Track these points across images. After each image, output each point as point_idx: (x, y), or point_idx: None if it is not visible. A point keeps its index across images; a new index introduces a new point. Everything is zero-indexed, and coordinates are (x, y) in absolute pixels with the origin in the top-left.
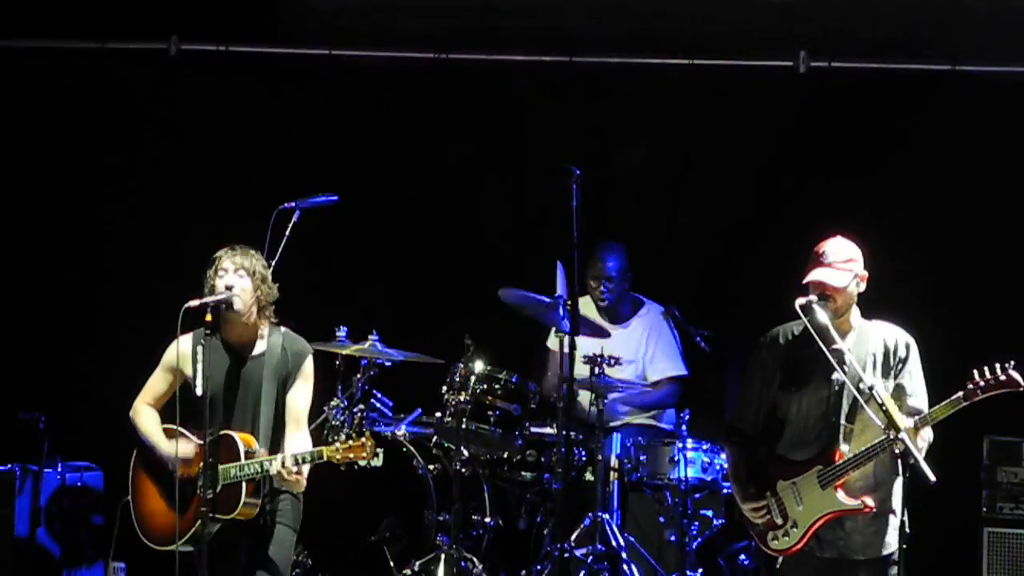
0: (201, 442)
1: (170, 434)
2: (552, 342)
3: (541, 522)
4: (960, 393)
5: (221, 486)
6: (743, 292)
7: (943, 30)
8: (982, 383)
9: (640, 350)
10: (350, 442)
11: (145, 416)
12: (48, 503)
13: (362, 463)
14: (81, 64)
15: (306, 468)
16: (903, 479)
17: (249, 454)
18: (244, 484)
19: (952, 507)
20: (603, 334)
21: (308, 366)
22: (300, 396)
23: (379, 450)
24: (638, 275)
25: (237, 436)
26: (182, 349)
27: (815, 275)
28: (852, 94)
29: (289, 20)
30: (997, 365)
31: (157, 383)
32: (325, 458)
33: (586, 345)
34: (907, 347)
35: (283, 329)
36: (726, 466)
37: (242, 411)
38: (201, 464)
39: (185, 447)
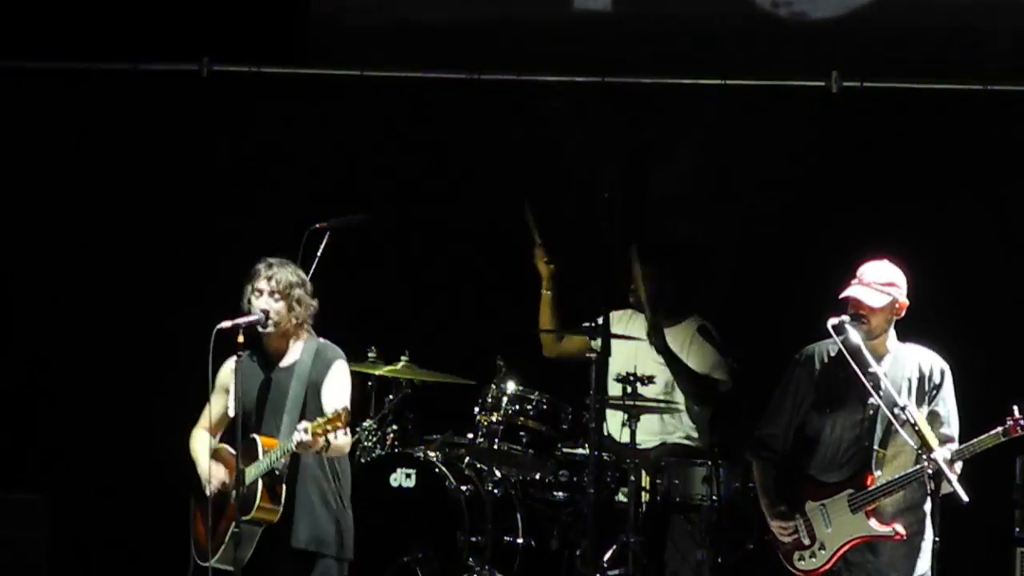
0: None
1: (217, 454)
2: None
3: (574, 543)
4: (1000, 429)
5: (244, 490)
6: (777, 312)
7: (974, 50)
8: (1023, 420)
9: (684, 352)
10: (330, 415)
11: (195, 439)
12: None
13: (338, 435)
14: (114, 86)
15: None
16: (935, 502)
17: (266, 452)
18: (260, 484)
19: (985, 527)
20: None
21: (338, 368)
22: (333, 395)
23: (411, 471)
24: (680, 294)
25: (259, 439)
26: (228, 371)
27: (850, 292)
28: (884, 114)
29: (319, 41)
30: None
31: (212, 406)
32: (310, 434)
33: (619, 362)
34: (942, 373)
35: (320, 340)
36: (754, 481)
37: (271, 419)
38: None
39: (223, 469)
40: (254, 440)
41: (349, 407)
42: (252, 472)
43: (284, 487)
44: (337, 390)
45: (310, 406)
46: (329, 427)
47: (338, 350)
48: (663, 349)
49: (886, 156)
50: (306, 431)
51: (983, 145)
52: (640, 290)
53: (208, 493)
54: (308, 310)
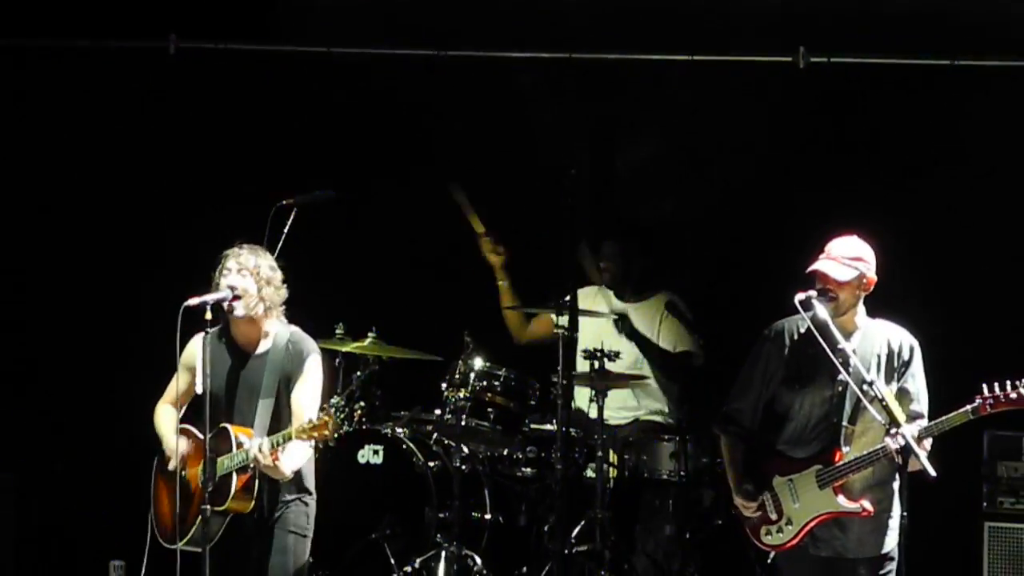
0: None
1: (182, 433)
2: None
3: (542, 519)
4: (969, 407)
5: (218, 478)
6: (745, 289)
7: (941, 25)
8: (991, 399)
9: (654, 327)
10: (314, 421)
11: (161, 414)
12: None
13: (325, 442)
14: (80, 63)
15: (292, 452)
16: (903, 478)
17: (239, 445)
18: (235, 475)
19: (952, 502)
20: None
21: (311, 363)
22: (303, 393)
23: (378, 448)
24: (648, 269)
25: (232, 429)
26: (195, 348)
27: (817, 265)
28: (852, 89)
29: (287, 18)
30: (1008, 382)
31: (176, 383)
32: (294, 438)
33: (587, 338)
34: (911, 349)
35: (292, 328)
36: (721, 456)
37: (244, 408)
38: (202, 461)
39: (187, 444)
40: (226, 429)
41: (310, 409)
42: (226, 464)
43: (257, 480)
44: (307, 390)
45: (282, 398)
46: (315, 434)
47: (312, 343)
48: (632, 333)
49: (854, 131)
50: (272, 446)
51: (950, 121)
52: (593, 275)
53: (171, 467)
54: (278, 294)
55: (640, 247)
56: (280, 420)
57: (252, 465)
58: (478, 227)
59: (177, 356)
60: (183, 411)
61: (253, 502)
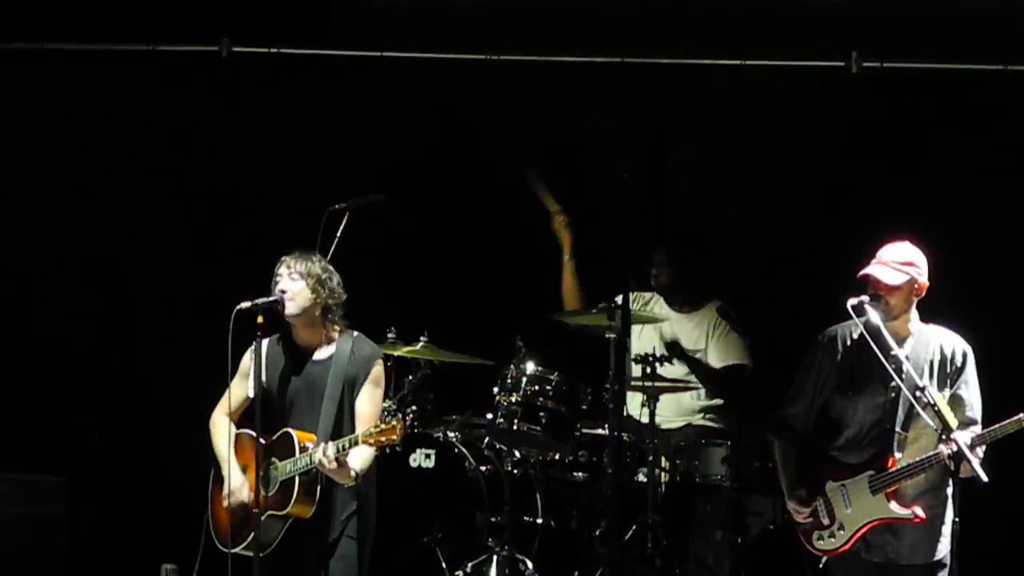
0: (263, 442)
1: (242, 441)
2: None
3: (593, 523)
4: (1022, 415)
5: (279, 483)
6: (797, 293)
7: (994, 30)
8: None
9: (704, 340)
10: (381, 425)
11: (217, 429)
12: None
13: (394, 444)
14: (134, 66)
15: (356, 456)
16: (955, 483)
17: (303, 449)
18: (297, 480)
19: (1005, 508)
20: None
21: (376, 370)
22: (366, 399)
23: (430, 452)
24: (699, 266)
25: (295, 433)
26: (255, 353)
27: (868, 270)
28: (904, 94)
29: (340, 21)
30: None
31: (234, 391)
32: (361, 442)
33: (639, 343)
34: (964, 355)
35: (355, 334)
36: (774, 461)
37: (307, 413)
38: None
39: (248, 449)
40: (289, 434)
41: (375, 416)
42: (288, 468)
43: (319, 487)
44: (372, 396)
45: (344, 403)
46: (383, 438)
47: (376, 349)
48: (683, 357)
49: (906, 136)
50: (337, 451)
51: (1004, 126)
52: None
53: (226, 494)
54: (333, 297)
55: (692, 254)
56: (342, 425)
57: (315, 469)
58: (552, 206)
59: (229, 360)
60: (242, 417)
61: (315, 507)
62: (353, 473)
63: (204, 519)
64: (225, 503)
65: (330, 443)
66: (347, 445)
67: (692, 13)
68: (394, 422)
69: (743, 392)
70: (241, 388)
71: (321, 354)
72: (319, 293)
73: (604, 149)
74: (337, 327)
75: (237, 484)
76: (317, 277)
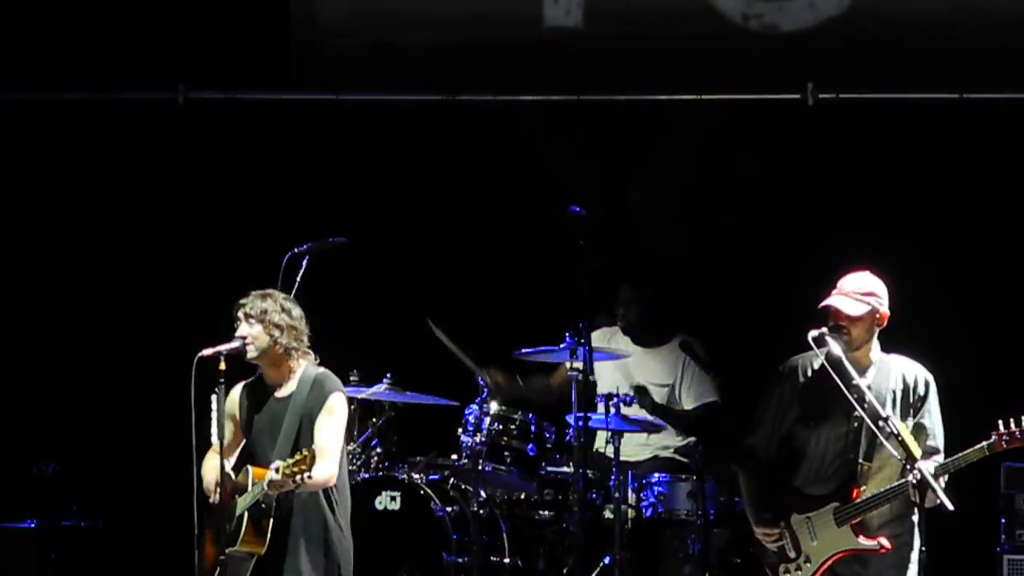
0: (241, 481)
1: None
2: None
3: (560, 561)
4: (985, 443)
5: (235, 519)
6: (759, 325)
7: (949, 60)
8: (1007, 435)
9: (674, 375)
10: (297, 456)
11: (206, 462)
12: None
13: (304, 476)
14: (90, 114)
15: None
16: (920, 511)
17: (255, 484)
18: (246, 515)
19: (970, 535)
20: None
21: (333, 401)
22: (323, 429)
23: (396, 494)
24: (663, 302)
25: (251, 469)
26: (234, 397)
27: (829, 301)
28: (861, 125)
29: (297, 65)
30: None
31: (219, 434)
32: (279, 471)
33: (605, 381)
34: (927, 384)
35: (320, 369)
36: (740, 494)
37: (266, 448)
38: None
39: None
40: (247, 470)
41: (331, 444)
42: (241, 504)
43: (271, 520)
44: (327, 426)
45: (303, 438)
46: (295, 468)
47: (336, 381)
48: (655, 408)
49: (864, 167)
50: (276, 471)
51: (961, 155)
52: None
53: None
54: (292, 336)
55: (657, 291)
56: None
57: (266, 501)
58: (470, 363)
59: (192, 406)
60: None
61: (266, 543)
62: (318, 479)
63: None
64: (211, 499)
65: (277, 462)
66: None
67: (647, 50)
68: (305, 452)
69: (714, 429)
70: (228, 429)
71: (284, 391)
72: (278, 333)
73: (563, 187)
74: (302, 362)
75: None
76: (274, 318)
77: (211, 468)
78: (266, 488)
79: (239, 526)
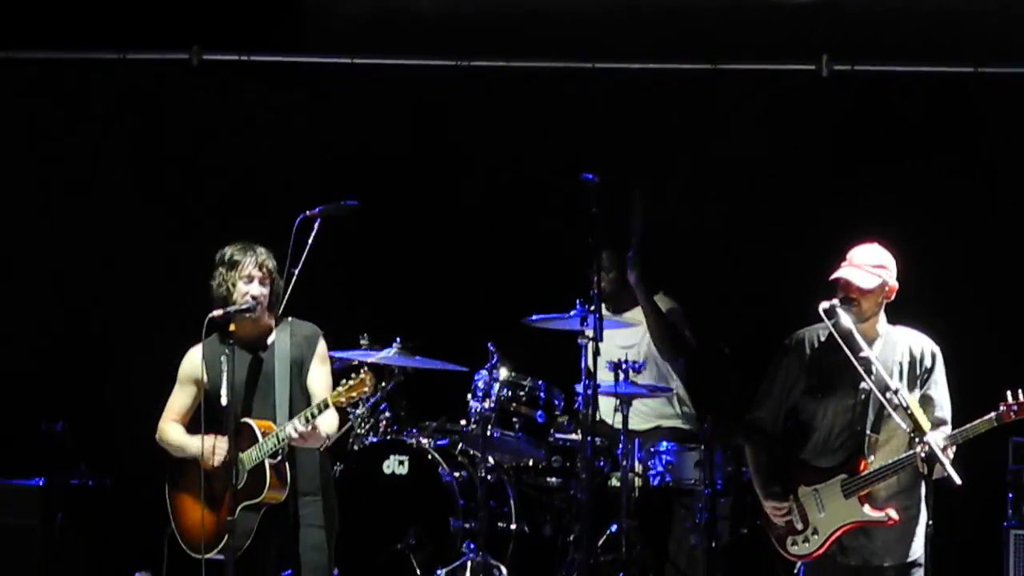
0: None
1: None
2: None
3: (567, 528)
4: (993, 414)
5: (246, 474)
6: (767, 297)
7: (965, 32)
8: (1015, 406)
9: (637, 338)
10: (350, 382)
11: (169, 430)
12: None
13: (367, 395)
14: (103, 74)
15: (322, 422)
16: (928, 484)
17: (265, 434)
18: (267, 464)
19: (977, 510)
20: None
21: (321, 347)
22: (318, 377)
23: (404, 458)
24: (667, 279)
25: (253, 422)
26: (197, 360)
27: (840, 273)
28: (875, 97)
29: (310, 29)
30: None
31: (178, 399)
32: (332, 403)
33: (610, 351)
34: (933, 356)
35: (289, 318)
36: (747, 465)
37: (260, 403)
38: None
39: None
40: (248, 424)
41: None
42: (254, 454)
43: (288, 467)
44: (322, 373)
45: (295, 384)
46: (354, 393)
47: (313, 325)
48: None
49: (876, 139)
50: (306, 420)
51: (974, 128)
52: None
53: (213, 464)
54: (280, 291)
55: (634, 257)
56: (297, 407)
57: (281, 452)
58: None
59: (203, 367)
60: (202, 422)
61: (287, 491)
62: (324, 435)
63: (167, 533)
64: (212, 463)
65: (295, 418)
66: (316, 413)
67: (662, 18)
68: (362, 374)
69: (712, 393)
70: (187, 395)
71: (263, 343)
72: (277, 294)
73: (574, 153)
74: (274, 314)
75: (210, 444)
76: (276, 275)
77: (179, 432)
78: (292, 436)
79: (260, 478)
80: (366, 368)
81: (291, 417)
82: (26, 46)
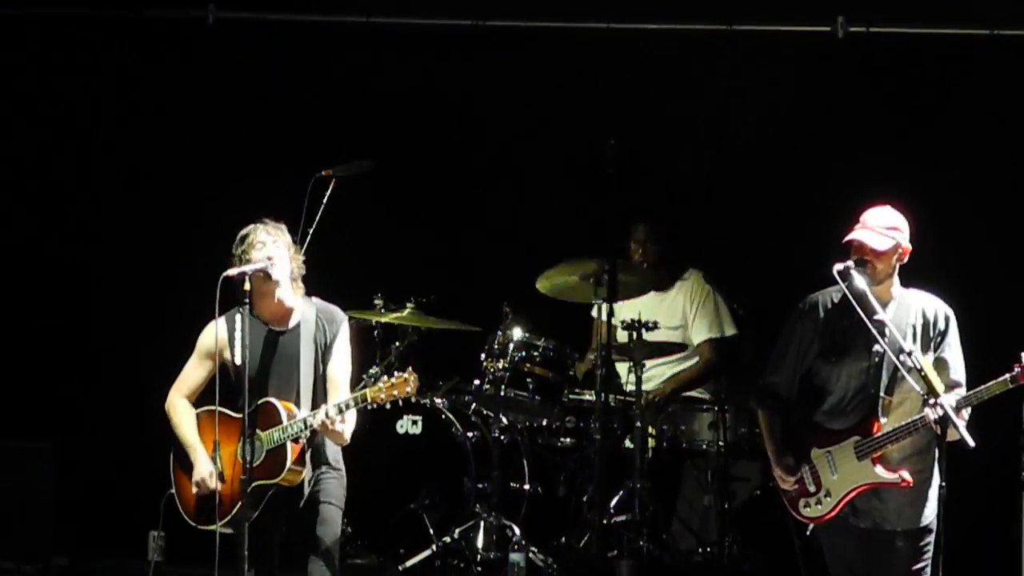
0: (237, 416)
1: (205, 419)
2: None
3: (580, 489)
4: (1008, 376)
5: (265, 452)
6: (781, 259)
7: None
8: None
9: (679, 317)
10: (392, 379)
11: (181, 413)
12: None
13: (407, 397)
14: (118, 33)
15: (350, 416)
16: (941, 447)
17: (291, 416)
18: (289, 446)
19: (991, 472)
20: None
21: (344, 332)
22: (340, 362)
23: (417, 418)
24: (678, 242)
25: (278, 402)
26: (219, 334)
27: (855, 235)
28: (890, 59)
29: None
30: None
31: (194, 371)
32: (370, 400)
33: (625, 310)
34: (947, 319)
35: (314, 299)
36: (760, 428)
37: (282, 383)
38: (240, 441)
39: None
40: (272, 403)
41: (347, 375)
42: (276, 436)
43: (308, 449)
44: (344, 357)
45: (318, 369)
46: (395, 392)
47: (340, 312)
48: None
49: (892, 101)
50: (340, 410)
51: (990, 90)
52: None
53: (194, 491)
54: (300, 268)
55: (671, 229)
56: (317, 391)
57: (306, 435)
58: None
59: (216, 328)
60: (217, 395)
61: (303, 474)
62: (347, 434)
63: (163, 500)
64: (195, 489)
65: (329, 405)
66: (352, 404)
67: None
68: (406, 374)
69: (731, 361)
70: (203, 369)
71: (287, 323)
72: (296, 260)
73: (587, 115)
74: (299, 295)
75: (206, 472)
76: (292, 247)
77: (191, 422)
78: (319, 424)
79: (280, 459)
80: (411, 369)
81: (312, 400)
82: (40, 4)
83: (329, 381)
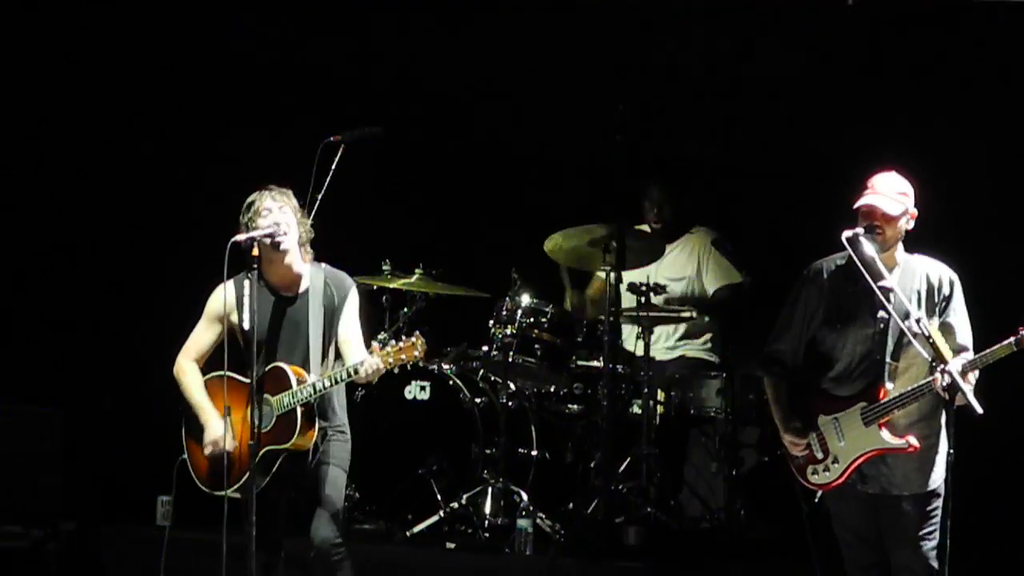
0: (247, 381)
1: (215, 384)
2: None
3: (588, 455)
4: (1013, 339)
5: (275, 417)
6: (790, 226)
7: None
8: None
9: (689, 269)
10: (400, 344)
11: (190, 376)
12: None
13: (415, 360)
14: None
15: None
16: (949, 413)
17: (301, 382)
18: (299, 411)
19: (1000, 437)
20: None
21: (353, 297)
22: (351, 325)
23: (425, 384)
24: (685, 207)
25: (288, 367)
26: (226, 297)
27: (867, 200)
28: (900, 27)
29: None
30: None
31: (203, 335)
32: (381, 364)
33: (631, 274)
34: (951, 283)
35: (323, 265)
36: (767, 395)
37: (291, 348)
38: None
39: (217, 427)
40: (282, 368)
41: (360, 335)
42: (287, 400)
43: (315, 410)
44: (354, 319)
45: (327, 334)
46: (403, 356)
47: (348, 277)
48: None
49: (901, 69)
50: (347, 375)
51: (1000, 59)
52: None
53: (209, 441)
54: (308, 233)
55: (680, 188)
56: (328, 355)
57: (316, 400)
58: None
59: (225, 294)
60: (226, 360)
61: (313, 439)
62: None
63: (176, 466)
64: (207, 450)
65: (366, 359)
66: (355, 370)
67: None
68: (413, 339)
69: (736, 321)
70: (211, 332)
71: (296, 289)
72: (304, 225)
73: (593, 85)
74: (307, 261)
75: (218, 434)
76: (300, 212)
77: (199, 386)
78: (366, 375)
79: (290, 424)
80: (418, 333)
81: (322, 366)
82: None
83: (343, 342)
